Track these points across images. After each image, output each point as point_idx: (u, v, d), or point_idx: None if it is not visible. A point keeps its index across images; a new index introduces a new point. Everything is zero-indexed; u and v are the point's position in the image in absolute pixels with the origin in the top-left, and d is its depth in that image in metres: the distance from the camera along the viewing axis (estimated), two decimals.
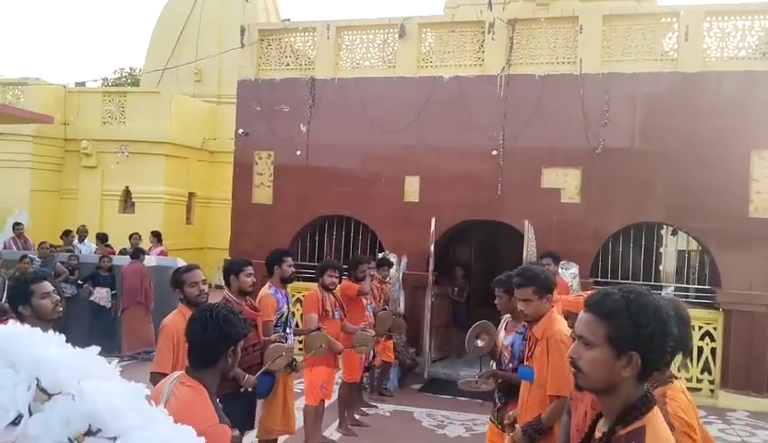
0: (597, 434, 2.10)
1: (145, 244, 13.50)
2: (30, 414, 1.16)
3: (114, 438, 1.12)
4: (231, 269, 5.73)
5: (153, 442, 1.13)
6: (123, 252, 12.88)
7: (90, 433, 1.13)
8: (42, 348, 1.19)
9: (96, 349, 1.31)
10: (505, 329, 5.01)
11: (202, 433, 2.48)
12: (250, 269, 5.70)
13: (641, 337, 1.94)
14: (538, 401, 4.15)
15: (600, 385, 2.02)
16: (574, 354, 2.06)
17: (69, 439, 1.13)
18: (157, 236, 13.45)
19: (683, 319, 2.96)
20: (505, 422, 4.59)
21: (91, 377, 1.16)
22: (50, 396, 1.16)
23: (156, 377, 4.27)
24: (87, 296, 11.30)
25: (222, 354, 2.88)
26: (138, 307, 11.15)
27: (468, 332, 4.85)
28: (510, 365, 4.79)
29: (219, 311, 2.96)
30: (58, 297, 3.95)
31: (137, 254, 11.80)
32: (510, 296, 4.60)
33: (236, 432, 5.71)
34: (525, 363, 4.35)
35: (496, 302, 4.95)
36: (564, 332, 4.15)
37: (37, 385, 1.15)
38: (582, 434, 3.21)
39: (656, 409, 2.01)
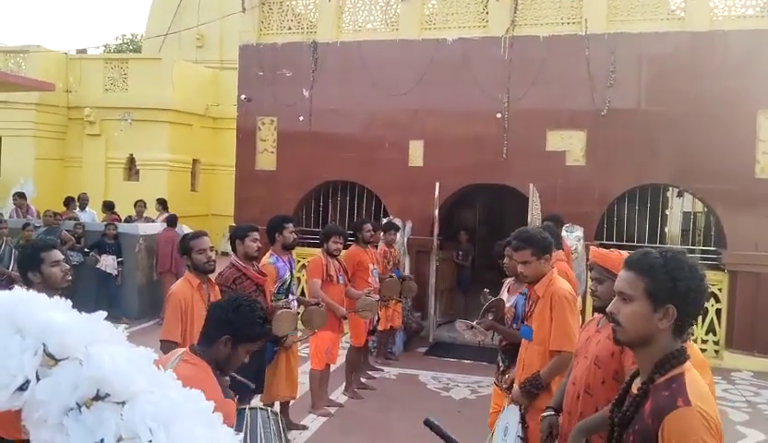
0: (634, 390, 2.19)
1: (151, 212, 13.52)
2: (38, 380, 1.16)
3: (123, 403, 1.13)
4: (236, 235, 5.78)
5: (162, 406, 1.13)
6: (128, 220, 12.91)
7: (98, 397, 1.14)
8: (48, 313, 1.19)
9: (102, 314, 1.31)
10: (508, 291, 5.07)
11: None
12: (256, 235, 5.75)
13: (677, 291, 2.08)
14: (537, 358, 4.17)
15: (637, 337, 2.15)
16: (614, 310, 2.20)
17: (77, 404, 1.14)
18: (162, 204, 13.45)
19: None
20: (503, 385, 4.64)
21: (99, 342, 1.16)
22: (57, 361, 1.16)
23: (166, 345, 4.31)
24: (93, 264, 11.35)
25: (218, 338, 2.84)
26: (168, 274, 11.21)
27: (485, 306, 4.87)
28: (514, 326, 4.86)
29: (243, 301, 2.95)
30: (68, 266, 3.98)
31: (172, 222, 11.87)
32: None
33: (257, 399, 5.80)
34: (525, 322, 4.38)
35: (504, 262, 4.99)
36: (567, 290, 4.17)
37: (44, 350, 1.15)
38: (577, 389, 3.25)
39: (690, 363, 2.12)
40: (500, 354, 4.98)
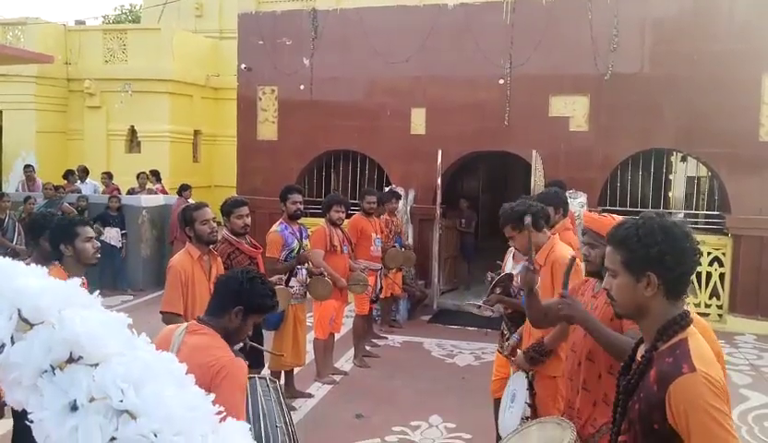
0: (639, 357, 2.17)
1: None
2: (13, 343, 1.17)
3: (95, 365, 1.13)
4: (222, 211, 5.63)
5: (132, 367, 1.14)
6: (130, 192, 12.91)
7: (71, 360, 1.15)
8: (23, 279, 1.20)
9: (78, 280, 1.31)
10: (513, 258, 5.07)
11: (219, 370, 2.55)
12: (243, 210, 5.54)
13: (651, 257, 2.05)
14: None
15: (630, 310, 2.15)
16: (606, 285, 2.21)
17: (51, 366, 1.15)
18: (155, 175, 13.46)
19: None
20: (505, 352, 4.65)
21: (73, 306, 1.17)
22: (32, 326, 1.17)
23: (167, 317, 4.32)
24: (97, 236, 11.36)
25: (230, 309, 2.87)
26: (178, 243, 11.24)
27: (492, 283, 4.90)
28: (521, 293, 4.82)
29: (255, 275, 2.97)
30: (99, 244, 4.11)
31: (184, 189, 11.96)
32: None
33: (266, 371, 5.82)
34: None
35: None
36: (567, 257, 4.16)
37: (19, 315, 1.16)
38: (578, 356, 3.25)
39: (694, 328, 2.09)
40: (505, 322, 5.00)
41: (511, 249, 5.17)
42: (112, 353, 1.16)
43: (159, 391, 1.15)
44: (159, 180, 13.43)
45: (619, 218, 3.33)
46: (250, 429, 2.94)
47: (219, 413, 1.22)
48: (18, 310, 1.16)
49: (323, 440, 5.61)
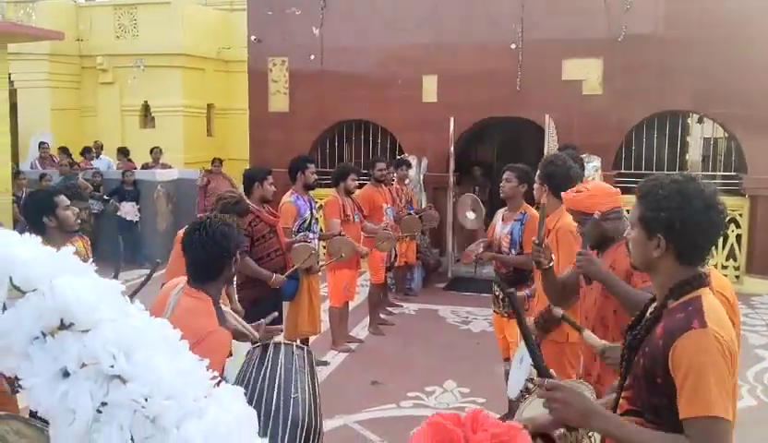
0: (647, 314, 2.17)
1: (168, 158, 13.59)
2: (4, 310, 1.20)
3: (87, 331, 1.16)
4: (255, 177, 5.84)
5: (123, 333, 1.17)
6: (145, 166, 12.98)
7: (62, 326, 1.17)
8: (15, 248, 1.22)
9: (71, 249, 1.34)
10: (502, 220, 5.15)
11: (202, 339, 2.59)
12: (271, 178, 5.88)
13: (661, 221, 2.03)
14: None
15: (639, 263, 2.17)
16: (627, 235, 2.24)
17: (42, 333, 1.18)
18: (123, 152, 13.45)
19: None
20: (503, 312, 4.77)
21: (64, 274, 1.19)
22: (23, 293, 1.20)
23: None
24: (113, 211, 11.47)
25: (226, 266, 2.94)
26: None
27: (459, 202, 5.02)
28: (512, 252, 5.04)
29: (214, 227, 2.93)
30: (77, 209, 4.09)
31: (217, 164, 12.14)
32: (520, 183, 4.99)
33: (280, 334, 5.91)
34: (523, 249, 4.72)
35: (503, 186, 5.08)
36: (571, 223, 4.17)
37: (10, 282, 1.18)
38: (591, 322, 3.26)
39: (708, 289, 2.07)
40: (497, 282, 5.10)
41: (500, 212, 5.30)
42: (103, 320, 1.18)
43: (150, 357, 1.18)
44: (126, 156, 13.42)
45: (597, 189, 3.42)
46: (255, 398, 2.98)
47: (213, 378, 1.25)
48: (10, 278, 1.19)
49: (339, 407, 5.69)
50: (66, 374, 1.16)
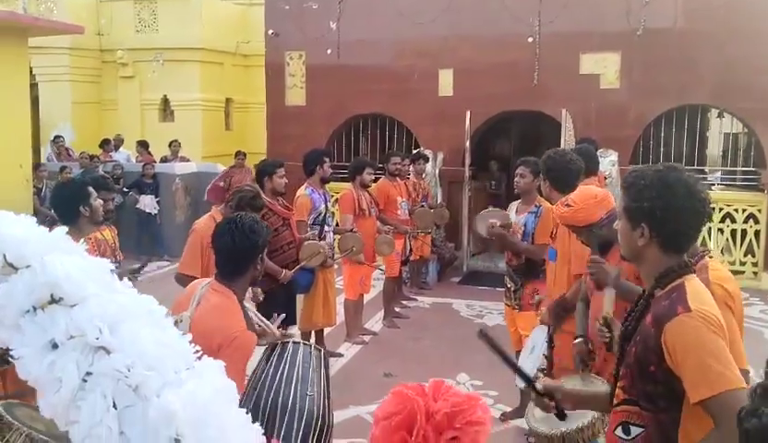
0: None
1: (186, 151, 13.69)
2: None
3: (74, 305, 1.21)
4: (265, 171, 5.86)
5: (109, 308, 1.22)
6: (163, 160, 13.10)
7: (52, 301, 1.23)
8: (9, 227, 1.27)
9: (63, 229, 1.39)
10: (516, 212, 5.18)
11: (230, 343, 2.65)
12: (283, 170, 5.86)
13: (643, 210, 2.07)
14: (565, 278, 4.27)
15: (627, 254, 2.22)
16: (616, 226, 2.27)
17: (33, 307, 1.23)
18: (143, 145, 13.58)
19: None
20: (531, 301, 4.75)
21: (55, 252, 1.25)
22: (16, 269, 1.25)
23: (181, 278, 4.40)
24: (133, 204, 11.59)
25: (252, 263, 3.00)
26: (226, 207, 11.42)
27: (480, 214, 5.11)
28: (525, 243, 5.09)
29: (244, 221, 3.03)
30: (102, 201, 4.20)
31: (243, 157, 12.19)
32: (535, 178, 4.98)
33: (293, 329, 5.96)
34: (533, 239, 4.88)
35: (518, 181, 5.13)
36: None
37: (4, 259, 1.24)
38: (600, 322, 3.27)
39: (694, 275, 2.11)
40: (509, 275, 5.12)
41: (513, 204, 5.37)
42: (90, 295, 1.23)
43: (134, 330, 1.23)
44: (146, 149, 13.54)
45: (583, 202, 3.47)
46: (272, 394, 3.03)
47: (196, 352, 1.29)
48: (4, 255, 1.24)
49: (352, 398, 5.72)
50: (54, 345, 1.21)
